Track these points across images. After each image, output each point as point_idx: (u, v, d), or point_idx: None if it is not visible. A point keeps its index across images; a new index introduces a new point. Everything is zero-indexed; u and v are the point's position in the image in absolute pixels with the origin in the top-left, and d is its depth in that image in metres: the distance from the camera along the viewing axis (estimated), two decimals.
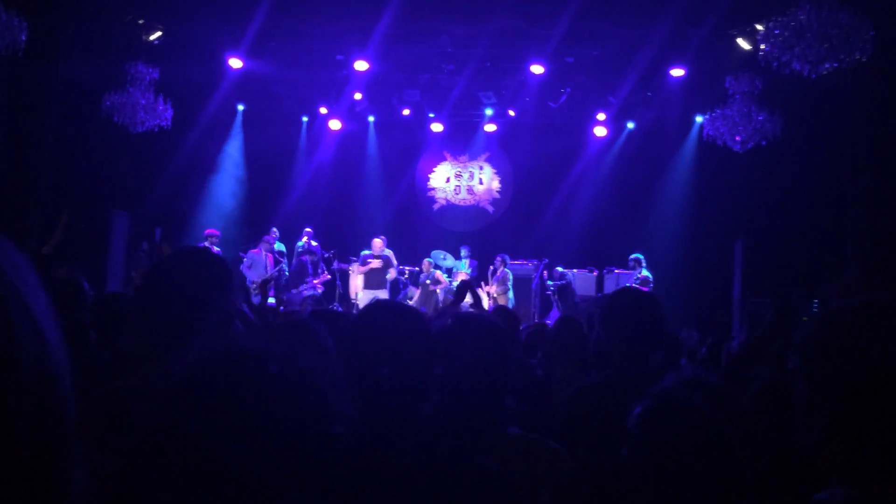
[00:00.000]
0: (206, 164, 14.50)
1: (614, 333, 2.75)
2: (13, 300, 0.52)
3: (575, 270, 13.19)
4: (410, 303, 12.51)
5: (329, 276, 12.98)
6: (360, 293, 12.84)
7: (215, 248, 11.29)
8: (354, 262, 13.57)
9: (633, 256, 12.42)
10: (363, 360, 1.75)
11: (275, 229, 13.04)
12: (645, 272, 12.32)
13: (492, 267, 13.19)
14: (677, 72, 12.30)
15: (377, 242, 13.09)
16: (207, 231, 12.18)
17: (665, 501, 1.39)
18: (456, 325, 2.04)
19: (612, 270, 12.80)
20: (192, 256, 2.12)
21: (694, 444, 1.37)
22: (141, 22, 11.20)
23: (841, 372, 1.15)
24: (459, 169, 16.52)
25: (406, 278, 13.69)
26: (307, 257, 12.96)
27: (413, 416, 1.73)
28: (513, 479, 1.79)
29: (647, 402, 1.47)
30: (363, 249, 13.79)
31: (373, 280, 12.88)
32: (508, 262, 13.22)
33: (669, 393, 1.46)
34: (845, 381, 1.15)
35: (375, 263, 12.91)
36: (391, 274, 13.00)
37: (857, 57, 7.88)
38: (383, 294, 12.47)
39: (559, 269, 13.18)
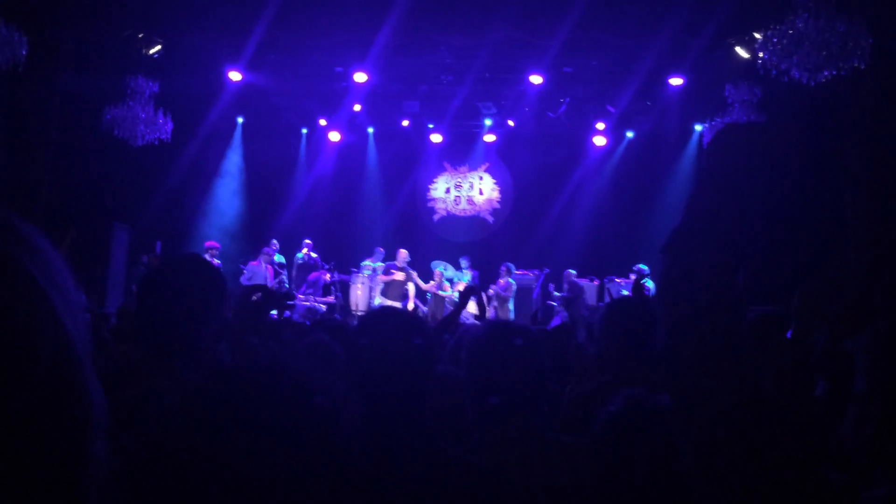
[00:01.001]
0: (206, 177, 14.52)
1: (610, 343, 2.76)
2: (36, 290, 0.52)
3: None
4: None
5: (334, 301, 13.01)
6: (378, 300, 12.84)
7: (215, 261, 11.28)
8: (355, 273, 13.56)
9: (636, 267, 12.38)
10: (367, 366, 1.75)
11: (275, 241, 13.05)
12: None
13: (500, 280, 13.14)
14: (676, 81, 12.35)
15: (403, 253, 13.10)
16: (207, 243, 12.18)
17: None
18: (490, 331, 2.05)
19: (613, 280, 12.79)
20: (186, 266, 2.04)
21: (653, 449, 1.39)
22: (141, 36, 11.23)
23: None
24: (459, 179, 16.55)
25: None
26: (321, 274, 13.00)
27: (417, 419, 1.73)
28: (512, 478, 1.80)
29: (612, 407, 1.51)
30: (363, 260, 13.79)
31: (394, 292, 12.86)
32: (513, 271, 13.19)
33: (636, 396, 1.50)
34: None
35: (399, 275, 12.89)
36: (411, 288, 13.00)
37: (856, 64, 7.91)
38: (399, 306, 12.48)
39: (573, 275, 12.99)
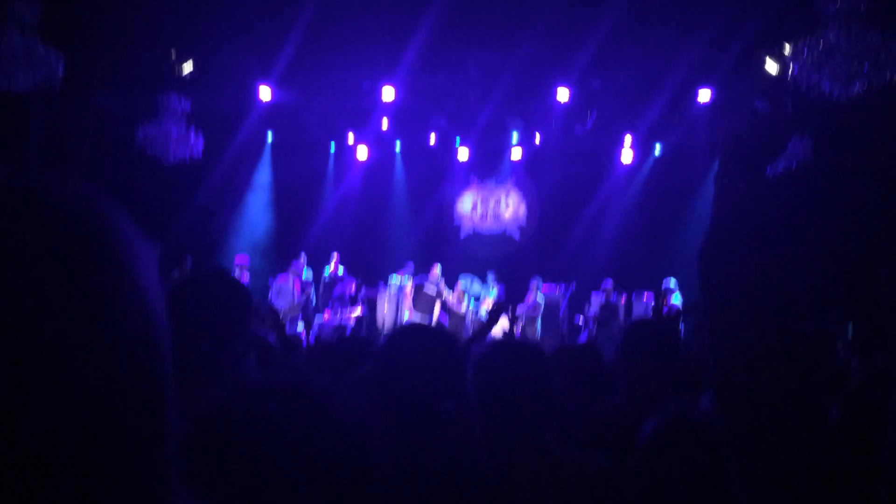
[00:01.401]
0: (237, 193, 14.68)
1: (629, 365, 2.75)
2: (128, 279, 0.53)
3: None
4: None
5: (360, 313, 12.99)
6: (406, 314, 12.84)
7: (245, 274, 11.38)
8: (382, 287, 13.59)
9: (665, 283, 12.20)
10: (396, 384, 1.74)
11: (304, 254, 13.14)
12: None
13: (528, 297, 13.04)
14: (705, 95, 12.25)
15: (436, 269, 13.13)
16: (237, 258, 12.28)
17: None
18: (497, 349, 2.04)
19: (641, 295, 12.66)
20: (210, 281, 2.03)
21: (698, 465, 1.38)
22: (173, 54, 11.43)
23: None
24: (486, 195, 16.53)
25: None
26: (337, 285, 13.01)
27: (443, 438, 1.72)
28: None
29: (658, 421, 1.49)
30: (390, 275, 13.81)
31: (425, 305, 12.88)
32: (541, 286, 13.08)
33: (682, 413, 1.49)
34: None
35: (431, 289, 12.91)
36: (439, 304, 12.98)
37: (888, 78, 7.80)
38: (427, 320, 12.44)
39: (608, 291, 12.77)
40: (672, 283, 12.15)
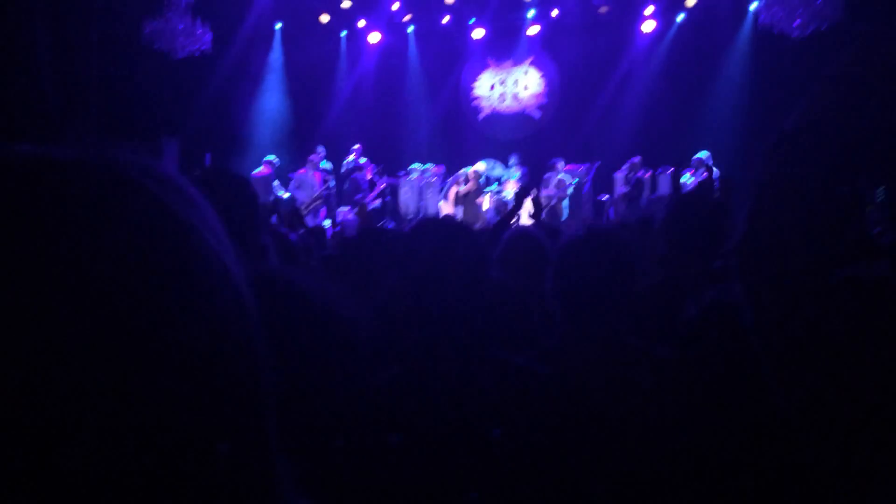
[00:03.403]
0: (248, 86, 14.45)
1: (675, 246, 2.68)
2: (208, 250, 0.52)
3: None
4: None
5: (383, 185, 12.85)
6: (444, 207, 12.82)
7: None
8: (403, 175, 13.53)
9: (696, 157, 11.82)
10: (418, 275, 1.74)
11: (321, 147, 13.04)
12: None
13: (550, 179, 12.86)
14: None
15: (480, 167, 12.97)
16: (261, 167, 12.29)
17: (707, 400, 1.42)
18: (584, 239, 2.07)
19: (667, 170, 12.45)
20: (215, 182, 1.94)
21: (740, 349, 1.38)
22: None
23: None
24: (503, 76, 16.12)
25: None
26: (358, 174, 12.94)
27: (471, 326, 1.72)
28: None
29: (700, 306, 1.48)
30: (412, 163, 13.72)
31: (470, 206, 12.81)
32: (563, 166, 12.89)
33: (722, 294, 1.47)
34: None
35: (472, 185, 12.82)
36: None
37: None
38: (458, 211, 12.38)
39: (637, 167, 12.43)
40: (704, 154, 11.73)
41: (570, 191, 12.68)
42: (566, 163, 13.29)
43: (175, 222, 0.50)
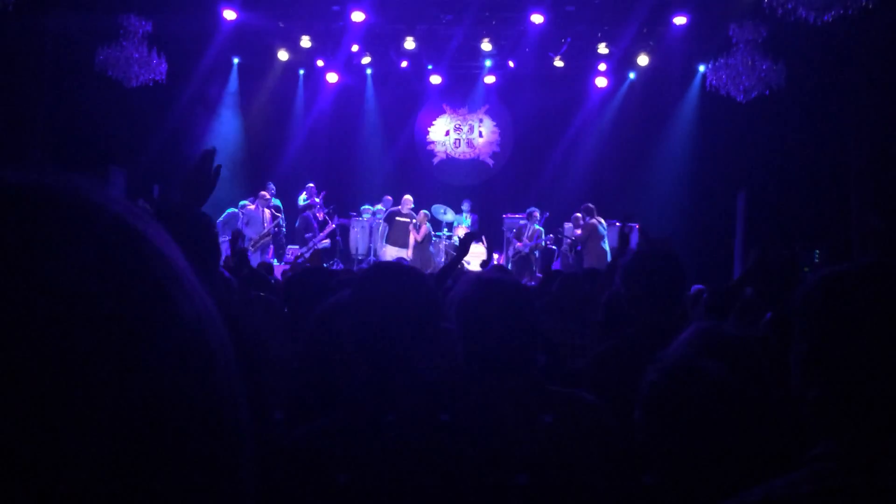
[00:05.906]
0: (203, 119, 14.32)
1: (636, 292, 2.68)
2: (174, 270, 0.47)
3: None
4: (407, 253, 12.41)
5: (333, 226, 12.76)
6: (385, 247, 12.79)
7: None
8: (354, 217, 13.51)
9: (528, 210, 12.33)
10: (369, 322, 1.72)
11: (271, 184, 12.97)
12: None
13: (522, 221, 12.86)
14: (680, 20, 12.09)
15: (408, 199, 13.05)
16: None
17: (676, 462, 1.45)
18: (479, 287, 2.01)
19: (614, 224, 12.64)
20: (173, 215, 1.96)
21: (706, 410, 1.41)
22: None
23: (840, 335, 1.18)
24: (459, 122, 16.33)
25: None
26: (309, 212, 12.88)
27: (413, 376, 1.71)
28: (560, 432, 1.82)
29: (659, 368, 1.50)
30: (363, 204, 13.72)
31: (400, 238, 12.81)
32: (538, 218, 12.70)
33: (682, 357, 1.51)
34: (844, 344, 1.18)
35: (405, 220, 12.87)
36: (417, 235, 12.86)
37: (864, 4, 7.71)
38: (405, 253, 12.38)
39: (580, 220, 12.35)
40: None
41: (542, 242, 12.71)
42: (517, 211, 13.42)
43: (150, 248, 0.46)
